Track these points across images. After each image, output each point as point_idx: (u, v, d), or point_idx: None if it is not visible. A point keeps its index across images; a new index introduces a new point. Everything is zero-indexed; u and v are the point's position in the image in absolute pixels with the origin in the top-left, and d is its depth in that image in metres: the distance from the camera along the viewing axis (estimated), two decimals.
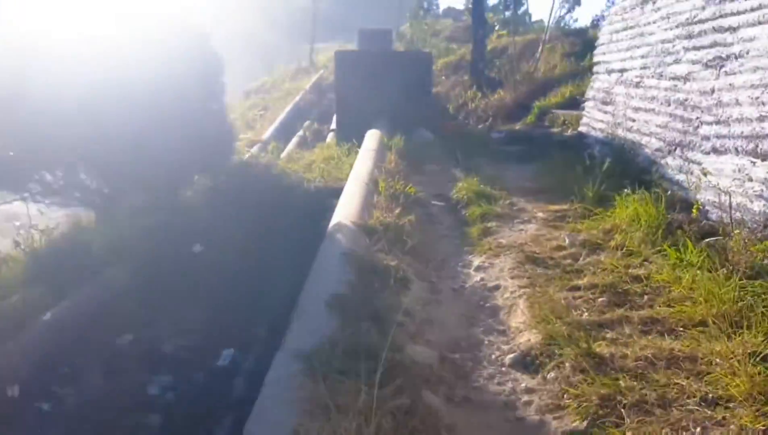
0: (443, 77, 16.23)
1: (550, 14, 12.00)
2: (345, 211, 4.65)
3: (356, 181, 5.58)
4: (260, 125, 15.31)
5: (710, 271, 3.19)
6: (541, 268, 3.91)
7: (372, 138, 7.69)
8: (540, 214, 5.17)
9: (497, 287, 3.80)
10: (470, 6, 15.21)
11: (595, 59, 7.72)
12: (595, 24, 19.33)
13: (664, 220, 4.21)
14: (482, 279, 3.99)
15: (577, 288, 3.48)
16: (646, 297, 3.29)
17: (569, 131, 8.42)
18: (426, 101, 9.74)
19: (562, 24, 12.44)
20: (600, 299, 3.30)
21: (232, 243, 5.53)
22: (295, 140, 12.37)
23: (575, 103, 9.55)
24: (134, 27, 5.81)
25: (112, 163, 5.93)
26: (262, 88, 25.27)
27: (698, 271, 3.25)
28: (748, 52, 4.22)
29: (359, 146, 7.84)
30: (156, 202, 6.25)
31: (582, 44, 11.83)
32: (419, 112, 9.53)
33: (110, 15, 5.57)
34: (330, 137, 10.88)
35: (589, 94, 7.74)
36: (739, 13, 4.45)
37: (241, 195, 6.57)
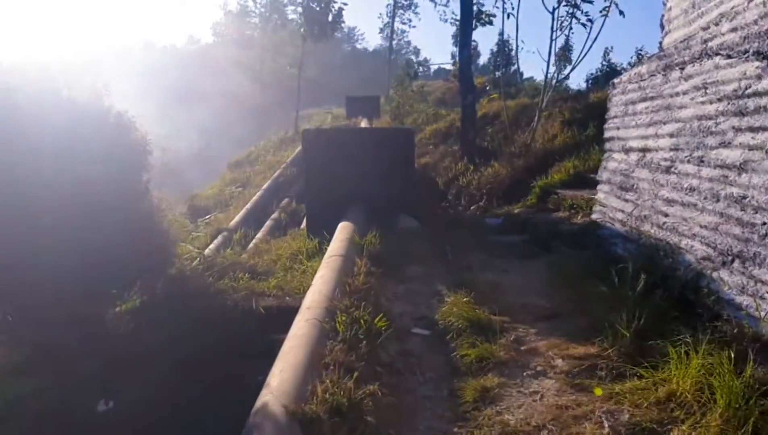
0: (431, 146, 15.11)
1: (546, 78, 10.86)
2: (281, 379, 3.22)
3: (310, 311, 4.17)
4: (235, 205, 14.04)
5: None
6: None
7: (341, 236, 6.32)
8: (559, 362, 3.73)
9: None
10: (458, 72, 14.22)
11: (607, 134, 6.46)
12: (592, 85, 18.40)
13: (752, 394, 2.80)
14: None
15: None
16: None
17: (579, 218, 7.08)
18: (409, 183, 8.43)
19: (561, 85, 11.16)
20: None
21: (142, 401, 4.12)
22: (268, 224, 11.07)
23: (582, 181, 8.27)
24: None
25: None
26: (247, 160, 24.20)
27: None
28: None
29: (330, 239, 6.53)
30: (60, 341, 4.84)
31: (584, 110, 10.68)
32: (402, 196, 8.22)
33: None
34: (305, 222, 9.56)
35: (603, 175, 6.44)
36: None
37: (172, 320, 5.15)
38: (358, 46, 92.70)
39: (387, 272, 5.64)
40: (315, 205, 8.31)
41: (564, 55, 10.43)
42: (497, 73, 29.76)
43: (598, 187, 6.56)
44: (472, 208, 9.32)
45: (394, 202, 8.17)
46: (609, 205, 6.21)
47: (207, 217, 14.24)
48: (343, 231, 6.54)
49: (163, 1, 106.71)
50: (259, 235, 10.15)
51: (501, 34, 29.84)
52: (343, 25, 22.67)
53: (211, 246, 9.20)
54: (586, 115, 10.33)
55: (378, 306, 4.66)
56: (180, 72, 58.30)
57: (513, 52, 30.49)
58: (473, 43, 12.76)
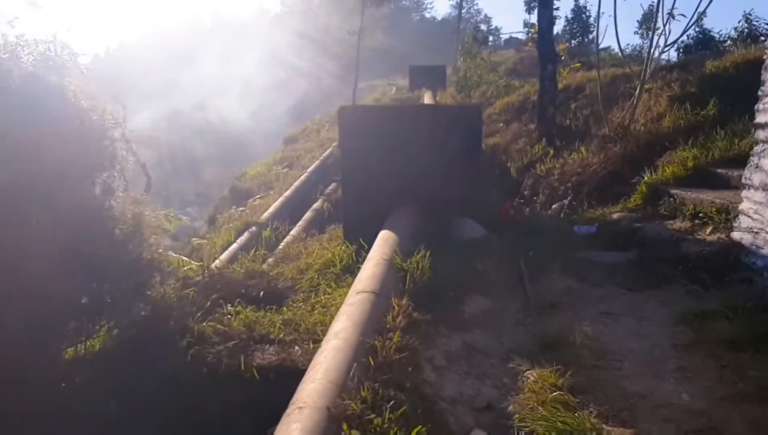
0: (502, 123, 13.12)
1: (651, 40, 8.63)
2: None
3: (301, 415, 2.53)
4: (277, 189, 12.57)
5: None
6: None
7: (379, 254, 4.62)
8: None
9: None
10: (535, 36, 12.09)
11: (761, 118, 4.45)
12: (684, 55, 15.68)
13: None
14: None
15: None
16: None
17: (709, 232, 5.10)
18: (474, 178, 6.62)
19: (664, 53, 8.79)
20: None
21: None
22: (308, 216, 9.51)
23: (705, 178, 6.21)
24: None
25: None
26: (303, 134, 22.82)
27: None
28: None
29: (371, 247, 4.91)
30: None
31: (699, 83, 8.42)
32: (463, 193, 6.43)
33: None
34: (343, 225, 7.93)
35: (753, 177, 4.45)
36: None
37: (125, 382, 3.64)
38: (427, 15, 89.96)
39: (437, 314, 3.94)
40: (354, 207, 6.63)
41: (672, 15, 8.21)
42: (573, 42, 26.98)
43: (744, 193, 4.57)
44: (554, 206, 7.40)
45: (455, 202, 6.40)
46: (765, 220, 4.25)
47: (247, 202, 12.89)
48: (382, 246, 4.84)
49: None
50: (294, 230, 8.60)
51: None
52: None
53: (234, 246, 7.73)
54: (703, 89, 8.09)
55: (418, 390, 2.99)
56: (249, 44, 58.09)
57: (591, 19, 27.68)
58: (556, 8, 10.62)
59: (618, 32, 10.51)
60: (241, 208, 10.88)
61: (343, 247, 6.40)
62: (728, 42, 15.55)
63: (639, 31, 23.59)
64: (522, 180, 9.50)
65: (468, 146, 6.63)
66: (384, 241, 5.01)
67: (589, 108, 10.94)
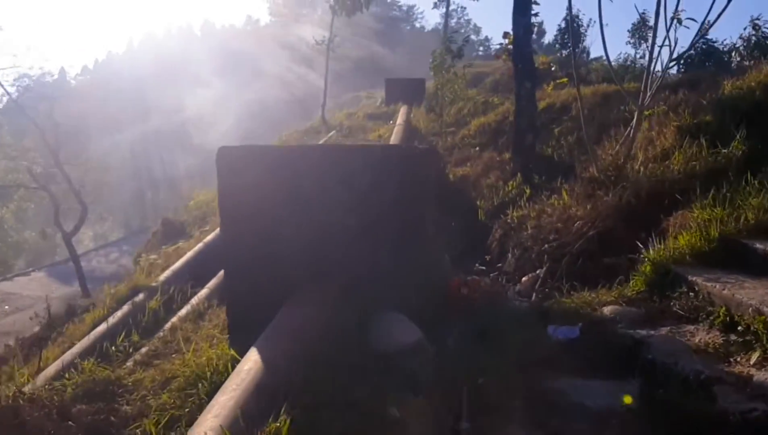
0: (476, 148, 11.24)
1: (651, 52, 6.63)
2: None
3: None
4: (210, 227, 10.61)
5: None
6: None
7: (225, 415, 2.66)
8: None
9: None
10: (510, 47, 10.21)
11: None
12: (684, 69, 13.78)
13: None
14: None
15: None
16: None
17: (756, 361, 3.18)
18: (413, 238, 4.67)
19: (670, 66, 6.55)
20: None
21: None
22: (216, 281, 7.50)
23: (738, 254, 4.29)
24: None
25: None
26: None
27: None
28: None
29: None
30: None
31: (716, 108, 6.48)
32: (397, 265, 4.51)
33: None
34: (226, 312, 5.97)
35: None
36: None
37: None
38: (417, 25, 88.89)
39: None
40: (239, 283, 4.71)
41: (678, 19, 6.32)
42: (563, 52, 25.05)
43: None
44: (524, 280, 5.44)
45: (383, 279, 4.48)
46: None
47: (176, 242, 10.96)
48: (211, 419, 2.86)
49: None
50: (196, 299, 6.64)
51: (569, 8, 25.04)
52: None
53: (100, 328, 5.79)
54: (722, 117, 6.15)
55: None
56: (232, 53, 56.90)
57: (583, 29, 25.89)
58: (535, 14, 8.66)
59: (605, 38, 8.65)
60: (172, 246, 8.95)
61: (225, 347, 4.49)
62: (734, 53, 13.82)
63: (631, 41, 21.64)
64: (492, 225, 7.58)
65: (407, 199, 4.68)
66: (221, 405, 3.02)
67: (575, 133, 9.06)
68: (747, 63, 13.64)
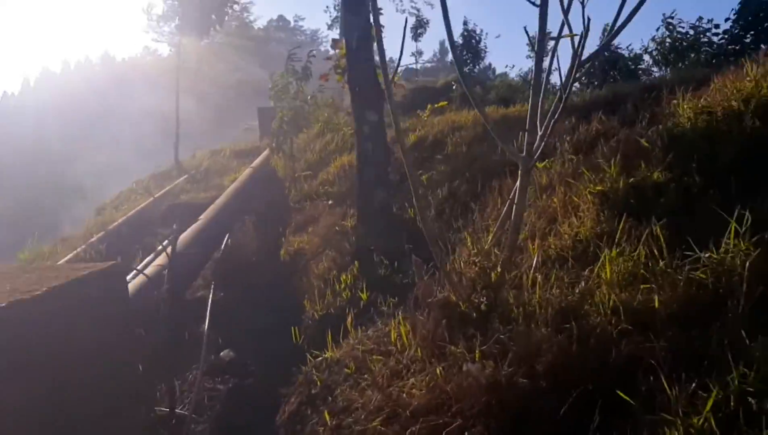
0: (330, 201, 8.09)
1: (540, 62, 3.66)
2: None
3: None
4: None
5: None
6: None
7: None
8: None
9: None
10: (342, 60, 7.14)
11: None
12: (587, 83, 11.20)
13: None
14: None
15: None
16: None
17: None
18: None
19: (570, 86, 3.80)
20: None
21: None
22: None
23: None
24: None
25: None
26: (117, 201, 17.06)
27: None
28: None
29: None
30: None
31: (666, 152, 3.50)
32: None
33: None
34: None
35: None
36: None
37: None
38: (322, 49, 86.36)
39: None
40: None
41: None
42: (464, 69, 22.60)
43: None
44: None
45: None
46: None
47: None
48: None
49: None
50: None
51: (465, 23, 22.56)
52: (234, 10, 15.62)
53: None
54: (682, 169, 3.22)
55: None
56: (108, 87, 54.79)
57: (482, 44, 23.56)
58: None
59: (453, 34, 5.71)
60: None
61: None
62: (646, 56, 11.48)
63: (531, 55, 19.28)
64: (302, 365, 4.33)
65: None
66: None
67: (447, 182, 6.05)
68: (660, 71, 11.32)
